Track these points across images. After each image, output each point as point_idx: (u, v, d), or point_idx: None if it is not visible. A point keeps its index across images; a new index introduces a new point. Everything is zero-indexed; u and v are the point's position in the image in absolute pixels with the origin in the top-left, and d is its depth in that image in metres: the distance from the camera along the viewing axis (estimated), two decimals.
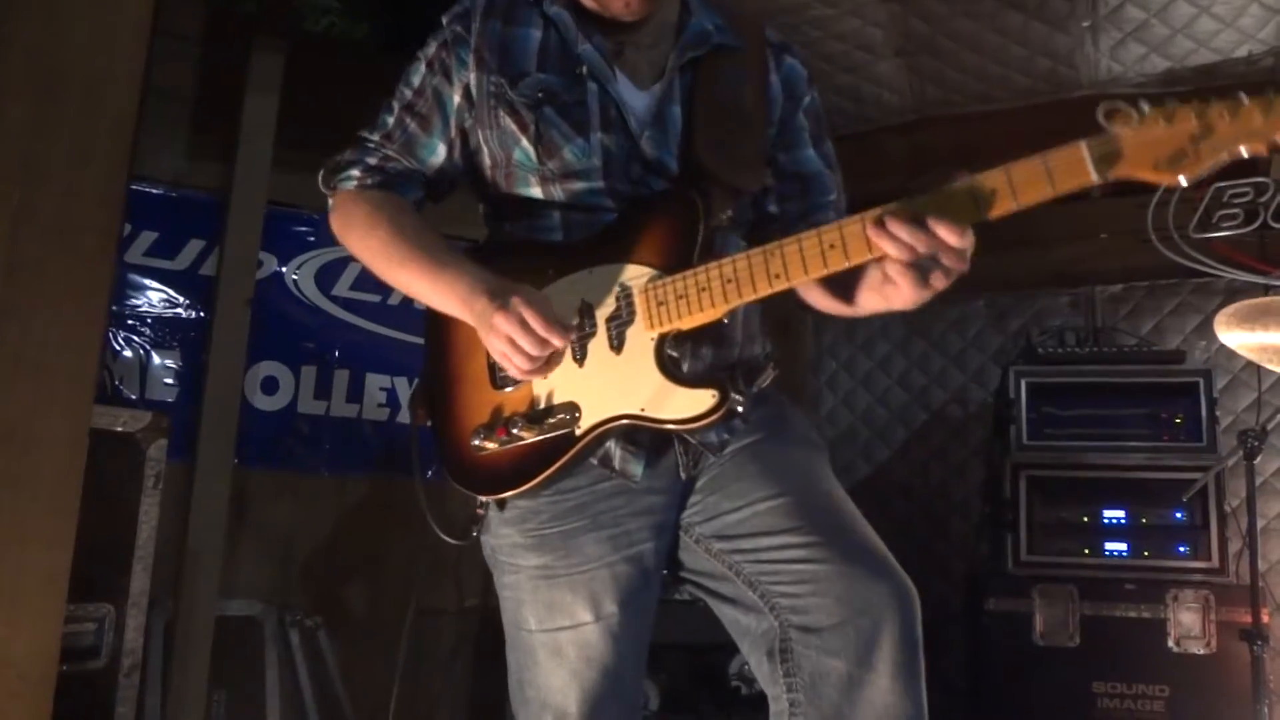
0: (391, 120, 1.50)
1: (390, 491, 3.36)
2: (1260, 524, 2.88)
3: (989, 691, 3.02)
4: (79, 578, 1.93)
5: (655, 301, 1.32)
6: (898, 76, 3.54)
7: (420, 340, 3.70)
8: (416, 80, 1.50)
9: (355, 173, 1.49)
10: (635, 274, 1.34)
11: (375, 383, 3.41)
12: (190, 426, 3.01)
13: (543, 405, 1.37)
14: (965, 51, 3.37)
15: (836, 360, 4.22)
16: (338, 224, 1.51)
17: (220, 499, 3.01)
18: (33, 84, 1.79)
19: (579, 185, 1.42)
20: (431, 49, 1.50)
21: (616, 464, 1.40)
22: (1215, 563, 2.95)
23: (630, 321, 1.34)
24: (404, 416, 3.43)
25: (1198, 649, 2.83)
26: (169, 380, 3.11)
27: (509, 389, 1.41)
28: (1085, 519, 3.11)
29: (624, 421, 1.33)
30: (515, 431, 1.36)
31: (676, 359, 1.32)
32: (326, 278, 3.35)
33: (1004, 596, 3.03)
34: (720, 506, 1.41)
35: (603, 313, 1.35)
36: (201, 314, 3.14)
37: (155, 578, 2.52)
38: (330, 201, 1.53)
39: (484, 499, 1.44)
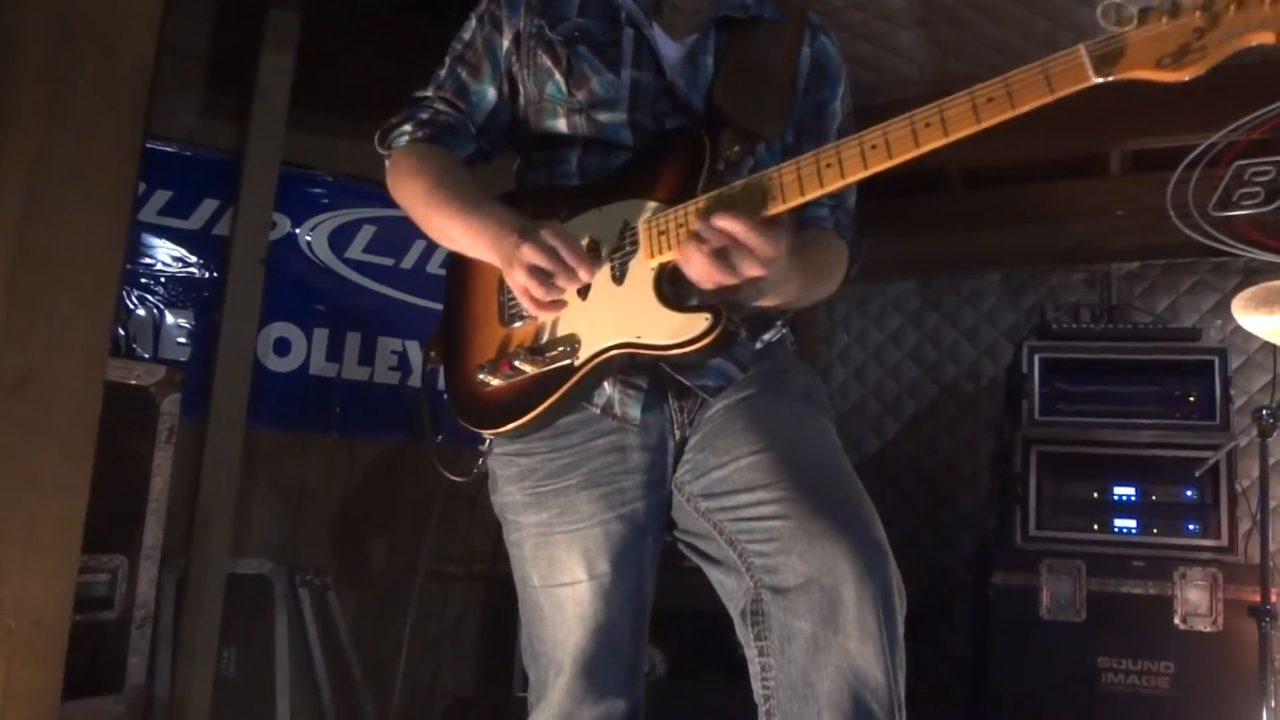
0: (444, 72, 1.55)
1: (400, 455, 3.37)
2: (1271, 504, 2.87)
3: (994, 664, 3.03)
4: (93, 530, 1.95)
5: (656, 231, 1.32)
6: (918, 48, 3.50)
7: (432, 304, 3.71)
8: (467, 34, 1.56)
9: (407, 128, 1.53)
10: (640, 208, 1.35)
11: (387, 346, 3.41)
12: (203, 386, 3.02)
13: (545, 339, 1.38)
14: (987, 23, 3.33)
15: (848, 333, 4.21)
16: (390, 180, 1.54)
17: (232, 458, 3.02)
18: (51, 28, 1.77)
19: (603, 116, 1.45)
20: (483, 5, 1.56)
21: (616, 408, 1.41)
22: (1224, 541, 2.95)
23: (633, 253, 1.34)
24: (415, 380, 3.44)
25: (1204, 626, 2.83)
26: (182, 339, 3.12)
27: (516, 325, 1.42)
28: (1095, 495, 3.10)
29: (621, 350, 1.32)
30: (518, 364, 1.37)
31: (675, 287, 1.30)
32: (340, 240, 3.35)
33: (1011, 571, 3.03)
34: (707, 463, 1.41)
35: (607, 247, 1.36)
36: (214, 274, 3.15)
37: (168, 536, 2.54)
38: (386, 164, 1.56)
39: (487, 434, 1.45)
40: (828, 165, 1.22)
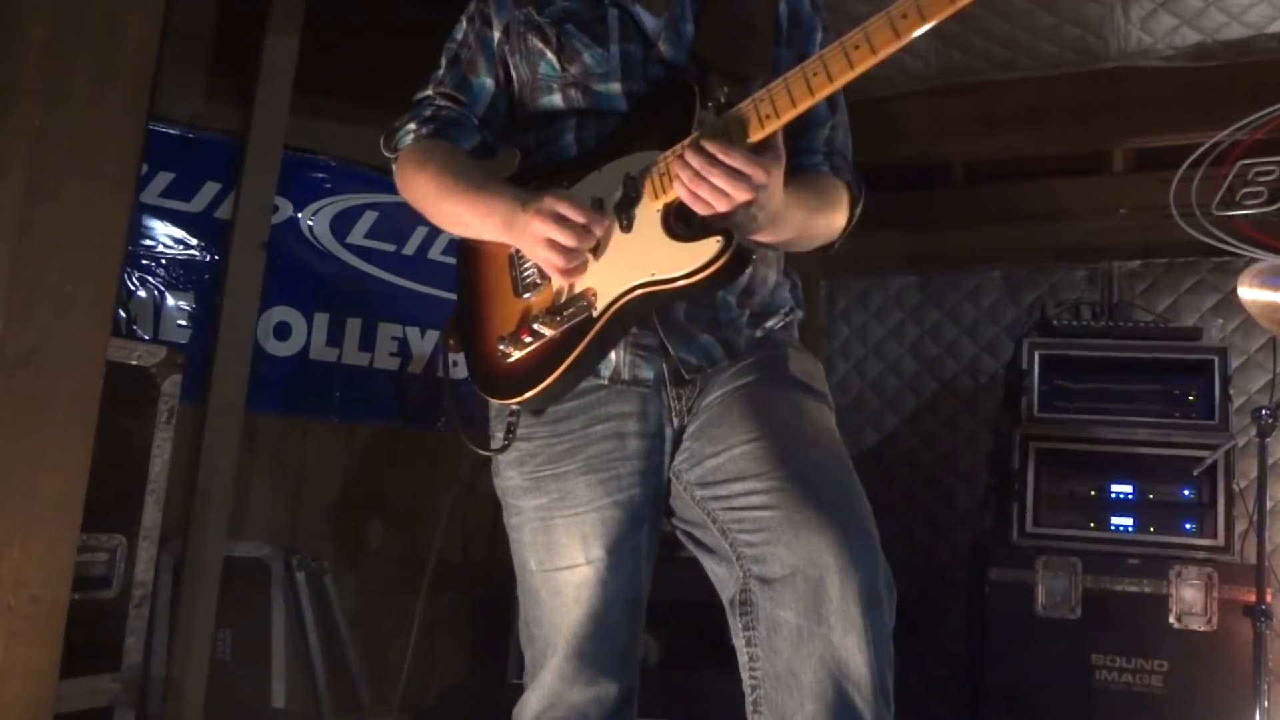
0: (441, 71, 1.59)
1: (399, 441, 3.38)
2: (1269, 504, 2.87)
3: (989, 660, 3.03)
4: (92, 509, 1.96)
5: (657, 174, 1.34)
6: (922, 41, 3.48)
7: (434, 291, 3.72)
8: (459, 34, 1.60)
9: (411, 127, 1.56)
10: (639, 159, 1.38)
11: (387, 332, 3.41)
12: (203, 369, 3.02)
13: (563, 299, 1.40)
14: (992, 17, 3.32)
15: (849, 327, 4.22)
16: (399, 180, 1.56)
17: (231, 441, 3.03)
18: (56, 6, 1.78)
19: (598, 87, 1.48)
20: (472, 5, 1.60)
21: (625, 372, 1.43)
22: (1221, 541, 2.94)
23: (638, 201, 1.36)
24: (415, 367, 3.44)
25: (1198, 626, 2.83)
26: (182, 322, 3.12)
27: (529, 295, 1.44)
28: (1092, 492, 3.10)
29: (640, 292, 1.34)
30: (537, 328, 1.39)
31: (684, 222, 1.32)
32: (342, 225, 3.35)
33: (1007, 567, 3.02)
34: (703, 452, 1.42)
35: (612, 202, 1.38)
36: (216, 257, 3.15)
37: (166, 517, 2.54)
38: (394, 167, 1.57)
39: (514, 404, 1.45)
40: (814, 74, 1.24)
